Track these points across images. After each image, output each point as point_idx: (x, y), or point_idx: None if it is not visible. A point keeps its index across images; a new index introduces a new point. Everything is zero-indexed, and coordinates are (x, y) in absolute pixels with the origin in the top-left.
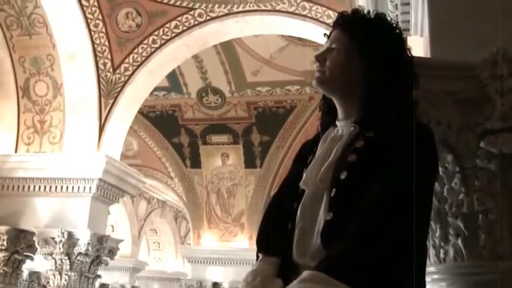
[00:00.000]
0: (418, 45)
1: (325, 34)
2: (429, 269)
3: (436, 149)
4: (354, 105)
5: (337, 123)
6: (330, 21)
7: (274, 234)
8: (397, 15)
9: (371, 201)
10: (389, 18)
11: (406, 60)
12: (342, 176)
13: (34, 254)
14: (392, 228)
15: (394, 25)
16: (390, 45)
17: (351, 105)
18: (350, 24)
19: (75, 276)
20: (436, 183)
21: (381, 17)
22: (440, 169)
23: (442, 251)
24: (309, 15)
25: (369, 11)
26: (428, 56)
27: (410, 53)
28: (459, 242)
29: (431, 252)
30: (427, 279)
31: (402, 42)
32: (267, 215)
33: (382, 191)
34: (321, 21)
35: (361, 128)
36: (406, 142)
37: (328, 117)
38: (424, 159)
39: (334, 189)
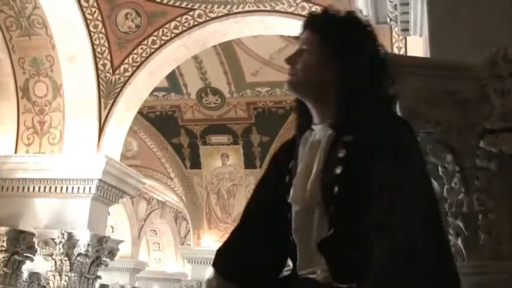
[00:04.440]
0: (418, 45)
1: (296, 36)
2: None
3: (414, 132)
4: (328, 108)
5: (314, 127)
6: None
7: (241, 259)
8: (396, 16)
9: (387, 220)
10: (361, 16)
11: (379, 58)
12: (335, 191)
13: (34, 255)
14: (421, 244)
15: (366, 23)
16: (362, 43)
17: (326, 108)
18: (320, 24)
19: (75, 277)
20: (436, 183)
21: (351, 15)
22: (440, 169)
23: None
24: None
25: (339, 10)
26: (428, 56)
27: (384, 50)
28: (459, 242)
29: None
30: None
31: (375, 39)
32: (240, 233)
33: (392, 207)
34: None
35: (338, 132)
36: (392, 143)
37: (304, 119)
38: (416, 159)
39: (331, 206)
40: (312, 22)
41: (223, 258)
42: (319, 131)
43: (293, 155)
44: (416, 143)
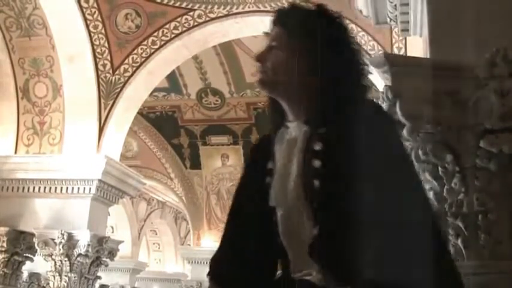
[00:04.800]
0: (418, 45)
1: (265, 32)
2: None
3: (395, 122)
4: (301, 104)
5: (288, 124)
6: None
7: (235, 266)
8: (396, 16)
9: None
10: (330, 8)
11: (352, 49)
12: (316, 185)
13: (34, 255)
14: (419, 242)
15: (336, 14)
16: (332, 36)
17: (299, 104)
18: (288, 20)
19: (75, 277)
20: (436, 183)
21: (321, 8)
22: (440, 169)
23: None
24: None
25: (308, 4)
26: (428, 56)
27: (356, 42)
28: (459, 242)
29: None
30: None
31: (346, 31)
32: (228, 240)
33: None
34: None
35: (313, 127)
36: (370, 131)
37: (278, 116)
38: (399, 150)
39: (314, 202)
40: (280, 18)
41: (216, 267)
42: (294, 129)
43: (270, 155)
44: (397, 132)
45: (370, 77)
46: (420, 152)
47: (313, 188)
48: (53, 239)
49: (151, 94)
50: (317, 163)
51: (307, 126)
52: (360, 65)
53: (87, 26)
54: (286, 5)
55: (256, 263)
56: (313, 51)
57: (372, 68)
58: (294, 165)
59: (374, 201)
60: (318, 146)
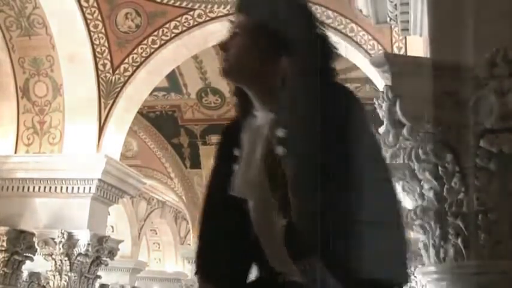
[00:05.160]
0: (418, 44)
1: (230, 20)
2: (429, 268)
3: (363, 107)
4: (267, 91)
5: (255, 112)
6: (329, 21)
7: (214, 258)
8: (396, 15)
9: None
10: None
11: (316, 35)
12: (280, 173)
13: (34, 254)
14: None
15: (301, 1)
16: (296, 22)
17: (264, 92)
18: (250, 6)
19: (75, 276)
20: (436, 183)
21: None
22: (440, 169)
23: (442, 250)
24: None
25: None
26: (428, 56)
27: (322, 27)
28: (459, 241)
29: (431, 251)
30: (427, 278)
31: (311, 17)
32: (204, 235)
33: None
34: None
35: (278, 115)
36: (336, 117)
37: (245, 104)
38: (366, 131)
39: (278, 191)
40: (243, 5)
41: (200, 263)
42: (260, 117)
43: (238, 141)
44: (365, 118)
45: (373, 74)
46: (420, 152)
47: (276, 176)
48: (53, 239)
49: (151, 94)
50: (280, 150)
51: (272, 114)
52: (327, 48)
53: (87, 25)
54: None
55: (236, 256)
56: (276, 36)
57: (341, 52)
58: (258, 153)
59: (339, 189)
60: (281, 133)
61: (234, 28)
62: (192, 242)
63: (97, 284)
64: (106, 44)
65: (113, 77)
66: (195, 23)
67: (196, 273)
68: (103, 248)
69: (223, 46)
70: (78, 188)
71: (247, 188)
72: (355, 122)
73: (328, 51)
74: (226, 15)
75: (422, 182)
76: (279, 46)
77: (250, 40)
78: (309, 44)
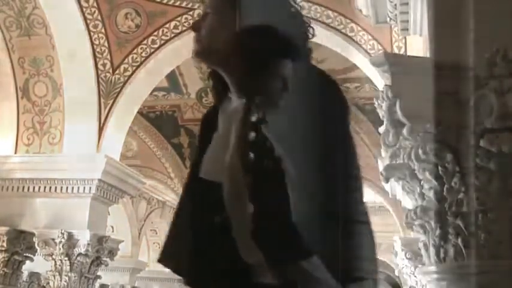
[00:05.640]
0: (418, 44)
1: (201, 1)
2: (429, 268)
3: (344, 98)
4: (239, 73)
5: (230, 95)
6: (329, 21)
7: (179, 241)
8: (396, 15)
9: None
10: None
11: (291, 14)
12: (251, 158)
13: (34, 255)
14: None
15: None
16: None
17: (237, 73)
18: None
19: (75, 277)
20: (436, 182)
21: None
22: (440, 169)
23: (442, 250)
24: (308, 15)
25: None
26: (428, 55)
27: (297, 7)
28: (459, 241)
29: (431, 251)
30: (428, 278)
31: None
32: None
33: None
34: (319, 21)
35: (250, 98)
36: (310, 101)
37: (221, 87)
38: (339, 114)
39: (249, 176)
40: None
41: (164, 245)
42: (235, 99)
43: (215, 126)
44: (339, 103)
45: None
46: (420, 152)
47: (248, 162)
48: (53, 239)
49: (151, 93)
50: (252, 135)
51: (245, 98)
52: (301, 29)
53: (87, 25)
54: None
55: (201, 243)
56: (248, 13)
57: (319, 37)
58: (232, 136)
59: (309, 174)
60: (254, 117)
61: (206, 8)
62: None
63: (97, 284)
64: (106, 44)
65: (113, 77)
66: None
67: (159, 257)
68: (103, 248)
69: (195, 27)
70: (78, 188)
71: (219, 170)
72: (331, 113)
73: (302, 32)
74: None
75: (422, 182)
76: (250, 23)
77: (221, 19)
78: (283, 20)
